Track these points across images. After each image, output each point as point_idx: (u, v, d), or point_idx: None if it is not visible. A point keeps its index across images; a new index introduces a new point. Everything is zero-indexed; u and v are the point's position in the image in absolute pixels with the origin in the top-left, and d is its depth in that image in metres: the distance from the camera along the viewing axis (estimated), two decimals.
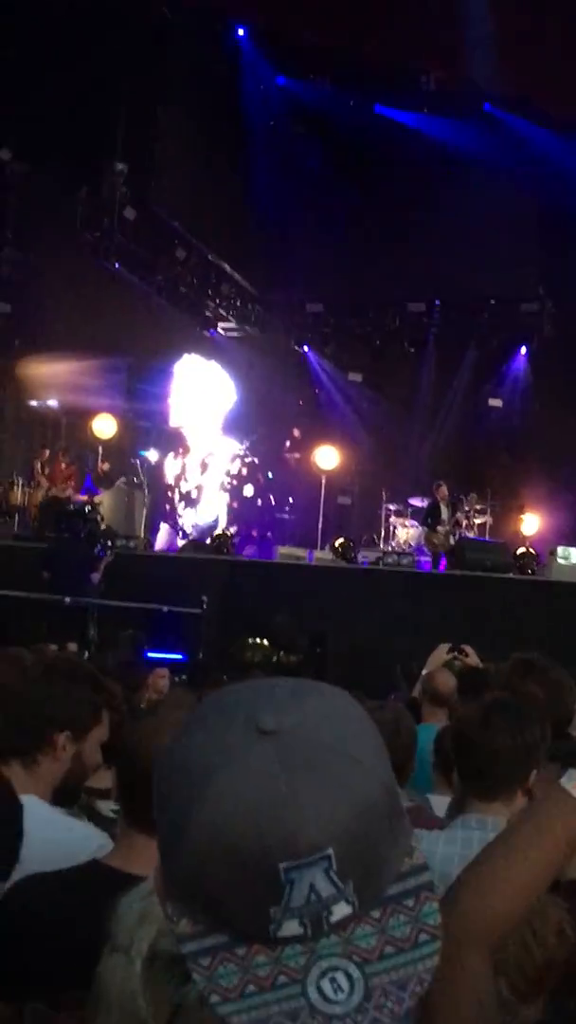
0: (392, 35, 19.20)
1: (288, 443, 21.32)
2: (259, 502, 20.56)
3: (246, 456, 20.51)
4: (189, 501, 19.79)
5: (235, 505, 20.23)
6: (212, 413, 20.72)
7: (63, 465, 17.86)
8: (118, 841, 2.22)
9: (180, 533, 19.17)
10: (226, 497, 20.23)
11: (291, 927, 0.97)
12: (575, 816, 1.59)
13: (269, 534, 19.55)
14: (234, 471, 20.41)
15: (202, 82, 20.53)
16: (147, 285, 21.01)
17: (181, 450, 20.07)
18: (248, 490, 20.40)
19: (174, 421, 20.31)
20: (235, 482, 20.33)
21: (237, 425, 21.23)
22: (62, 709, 2.81)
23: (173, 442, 20.13)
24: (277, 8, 19.51)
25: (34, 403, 19.53)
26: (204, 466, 20.04)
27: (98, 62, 17.99)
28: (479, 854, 1.65)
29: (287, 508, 20.93)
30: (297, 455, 21.33)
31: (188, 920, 1.01)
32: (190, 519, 19.61)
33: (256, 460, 20.67)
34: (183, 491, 19.79)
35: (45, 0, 17.50)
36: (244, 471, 20.49)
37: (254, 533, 19.69)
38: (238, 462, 20.46)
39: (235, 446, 20.63)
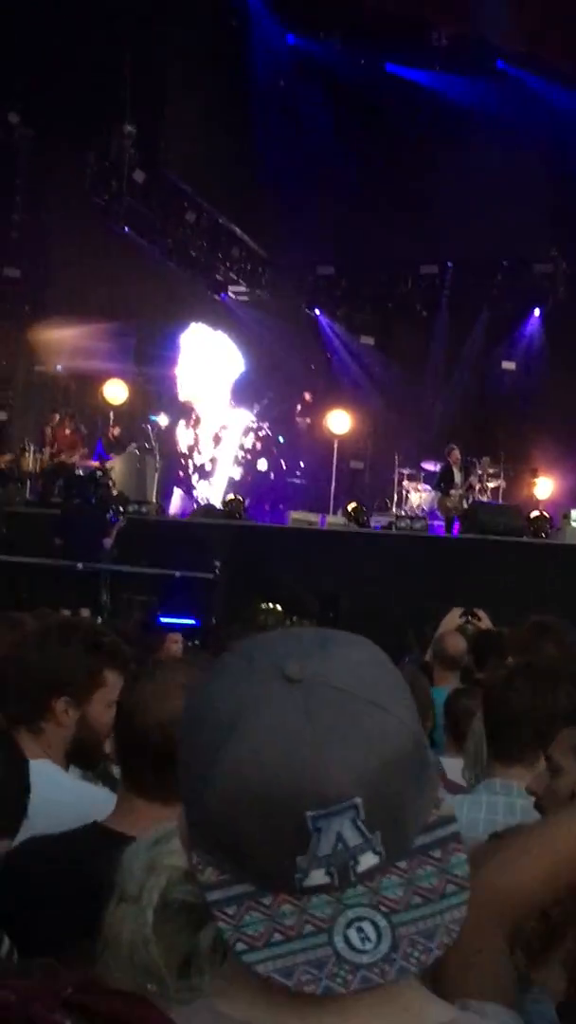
0: None
1: (299, 407, 21.20)
2: (272, 476, 20.46)
3: (259, 429, 20.38)
4: (203, 474, 19.71)
5: (249, 479, 20.12)
6: (221, 383, 20.59)
7: (67, 431, 17.81)
8: (118, 804, 2.22)
9: (195, 502, 19.13)
10: (239, 471, 20.11)
11: (318, 876, 0.97)
12: None
13: (281, 506, 19.47)
14: (248, 445, 20.27)
15: (211, 42, 20.32)
16: (157, 248, 20.90)
17: (193, 420, 19.97)
18: (262, 464, 20.27)
19: (183, 395, 20.21)
20: (249, 456, 20.22)
21: (247, 391, 21.12)
22: (55, 673, 2.79)
23: (184, 410, 20.03)
24: None
25: (41, 368, 19.45)
26: (217, 439, 19.92)
27: (105, 24, 17.83)
28: (511, 831, 1.65)
29: (298, 473, 20.84)
30: (308, 419, 21.21)
31: (213, 869, 1.01)
32: (204, 491, 19.54)
33: (270, 432, 20.54)
34: (196, 463, 19.69)
35: None
36: (258, 445, 20.35)
37: (266, 507, 19.59)
38: (252, 435, 20.32)
39: (248, 418, 20.49)
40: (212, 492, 19.51)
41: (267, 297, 23.15)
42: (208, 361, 20.46)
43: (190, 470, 19.65)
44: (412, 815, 1.01)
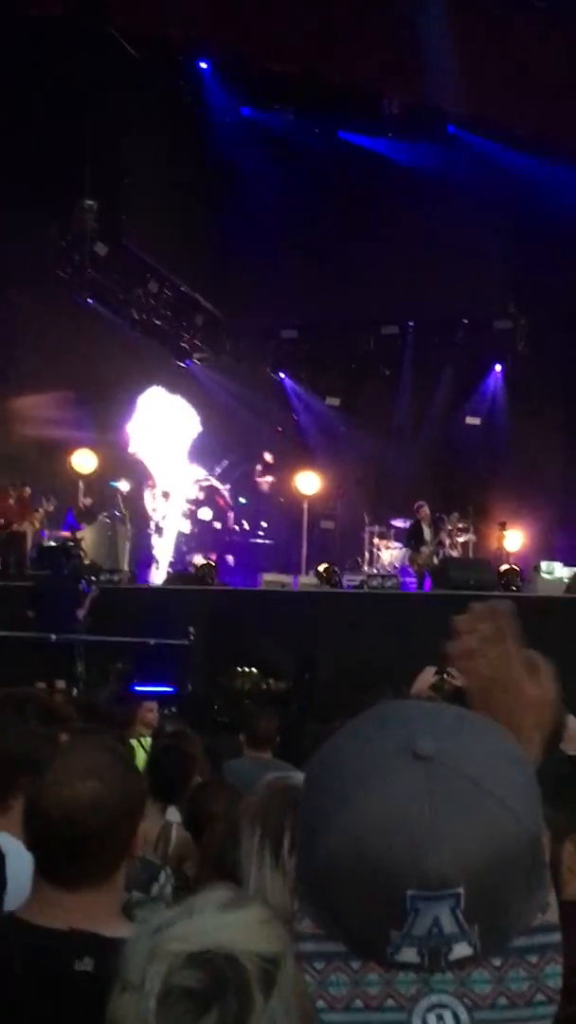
0: (352, 61, 19.39)
1: (259, 467, 21.29)
2: (217, 525, 20.50)
3: (204, 480, 20.49)
4: (159, 532, 19.79)
5: (195, 530, 20.17)
6: (174, 442, 20.67)
7: (10, 500, 17.67)
8: (32, 892, 2.16)
9: (156, 564, 19.14)
10: (187, 524, 20.19)
11: (409, 954, 0.96)
12: None
13: (232, 560, 19.50)
14: (191, 496, 20.38)
15: (167, 116, 20.68)
16: (120, 319, 21.09)
17: (150, 482, 20.08)
18: (204, 513, 20.35)
19: (132, 448, 20.31)
20: (192, 507, 20.30)
21: (208, 454, 21.26)
22: (24, 750, 2.76)
23: (142, 473, 20.12)
24: (238, 41, 19.67)
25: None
26: (167, 495, 20.03)
27: (63, 100, 18.13)
28: None
29: (260, 533, 20.91)
30: (270, 479, 21.30)
31: (310, 921, 1.01)
32: (162, 552, 19.58)
33: (228, 493, 20.64)
34: (155, 523, 19.78)
35: (6, 40, 17.54)
36: (201, 495, 20.45)
37: (229, 558, 19.66)
38: (195, 487, 20.44)
39: (198, 473, 20.64)
40: (164, 548, 19.54)
41: (232, 362, 23.34)
42: (162, 420, 20.58)
43: (152, 531, 19.69)
44: (515, 915, 0.99)
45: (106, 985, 1.38)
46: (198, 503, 20.30)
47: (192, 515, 20.21)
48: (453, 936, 0.95)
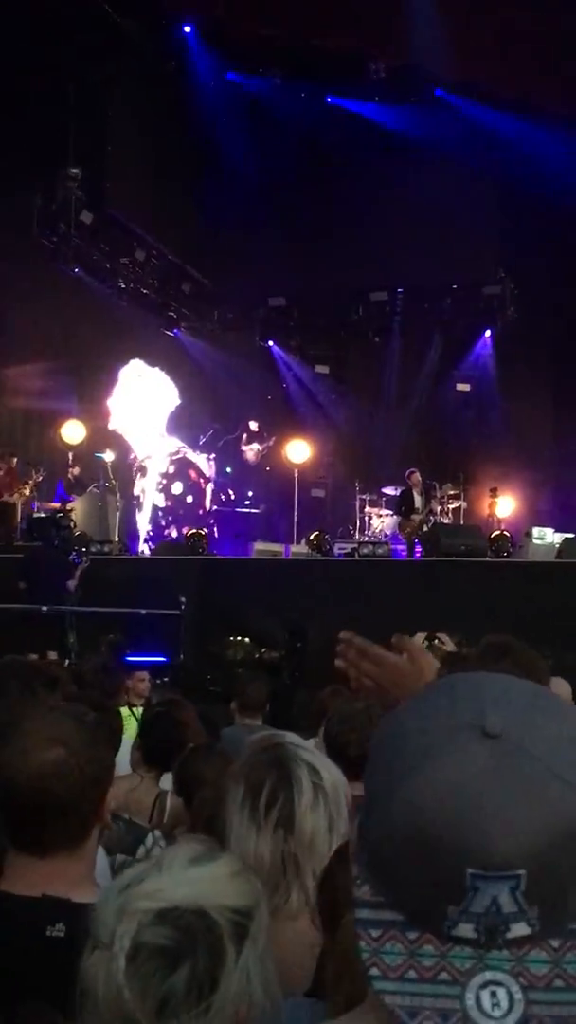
0: (338, 24, 19.20)
1: (245, 436, 21.22)
2: (188, 498, 20.40)
3: (176, 453, 20.40)
4: (139, 506, 19.72)
5: (169, 504, 20.11)
6: (152, 416, 20.58)
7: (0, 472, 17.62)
8: (4, 862, 2.18)
9: (139, 538, 19.10)
10: (161, 497, 20.13)
11: (466, 930, 0.96)
12: None
13: (238, 535, 19.45)
14: (163, 469, 20.29)
15: (152, 82, 20.50)
16: (107, 287, 20.96)
17: (132, 455, 20.01)
18: (176, 487, 20.26)
19: (112, 424, 20.23)
20: (165, 480, 20.23)
21: (198, 423, 21.20)
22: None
23: (125, 447, 20.05)
24: (222, 5, 19.48)
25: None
26: (143, 470, 19.94)
27: (46, 67, 17.93)
28: None
29: (246, 502, 20.86)
30: (256, 447, 21.23)
31: (369, 888, 1.01)
32: (142, 525, 19.54)
33: (190, 457, 20.54)
34: (135, 496, 19.71)
35: None
36: (172, 468, 20.35)
37: (232, 537, 19.56)
38: (167, 460, 20.35)
39: (171, 446, 20.54)
40: (143, 523, 19.51)
41: (219, 331, 23.25)
42: (141, 394, 20.48)
43: (135, 504, 19.64)
44: (575, 898, 0.98)
45: (79, 950, 1.37)
46: (169, 477, 20.20)
47: (165, 489, 20.13)
48: (512, 916, 0.95)
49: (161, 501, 20.03)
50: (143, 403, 20.40)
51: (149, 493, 19.85)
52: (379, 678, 1.95)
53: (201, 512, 20.14)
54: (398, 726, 1.04)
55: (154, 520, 19.70)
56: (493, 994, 0.95)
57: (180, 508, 20.13)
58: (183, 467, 20.37)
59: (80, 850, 2.17)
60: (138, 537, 19.08)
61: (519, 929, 0.96)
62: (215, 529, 19.34)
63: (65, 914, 2.00)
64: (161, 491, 20.06)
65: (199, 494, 20.47)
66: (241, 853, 2.19)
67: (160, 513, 19.91)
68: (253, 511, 20.72)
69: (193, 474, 20.45)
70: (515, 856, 0.94)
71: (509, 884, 0.94)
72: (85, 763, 2.17)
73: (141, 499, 19.73)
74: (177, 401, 20.88)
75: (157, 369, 20.85)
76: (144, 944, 1.35)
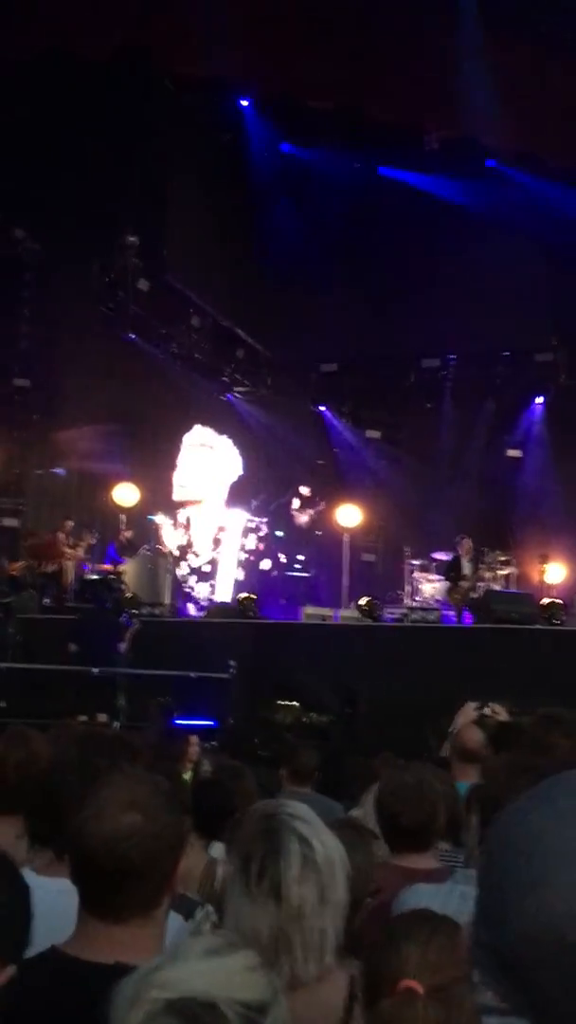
0: (392, 96, 19.50)
1: (297, 502, 21.30)
2: (275, 574, 20.46)
3: (259, 529, 20.46)
4: (201, 576, 19.71)
5: (254, 579, 20.04)
6: (218, 486, 20.70)
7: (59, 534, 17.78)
8: (77, 926, 2.18)
9: (196, 605, 19.10)
10: (241, 572, 20.12)
11: None
12: None
13: (283, 601, 19.43)
14: (250, 545, 20.33)
15: (209, 153, 20.94)
16: (162, 353, 21.26)
17: (185, 522, 20.06)
18: (265, 564, 20.28)
19: (177, 495, 20.35)
20: (252, 557, 20.25)
21: (246, 488, 21.32)
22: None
23: (175, 512, 20.15)
24: (278, 76, 19.86)
25: (48, 471, 19.61)
26: (217, 542, 19.99)
27: (107, 138, 18.38)
28: None
29: (297, 566, 20.86)
30: (309, 511, 21.30)
31: (495, 994, 1.01)
32: (204, 593, 19.53)
33: (266, 527, 20.61)
34: (192, 565, 19.70)
35: (52, 79, 17.85)
36: (261, 545, 20.38)
37: (282, 602, 19.54)
38: (252, 536, 20.38)
39: (246, 518, 20.59)
40: (217, 594, 19.49)
41: (272, 396, 23.44)
42: (207, 463, 20.60)
43: (187, 572, 19.63)
44: None
45: None
46: (258, 553, 20.26)
47: (249, 564, 20.15)
48: None
49: (241, 575, 20.06)
50: (208, 471, 20.54)
51: (225, 565, 19.85)
52: None
53: (268, 577, 20.17)
54: (525, 826, 1.02)
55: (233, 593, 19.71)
56: None
57: (267, 580, 20.14)
58: (270, 543, 20.47)
59: (152, 917, 2.17)
60: (196, 602, 19.12)
61: None
62: (264, 593, 19.37)
63: None
64: (243, 566, 20.12)
65: (280, 567, 20.52)
66: (237, 926, 2.19)
67: (239, 586, 19.84)
68: (304, 575, 20.74)
69: (273, 547, 20.50)
70: None
71: None
72: (161, 829, 2.18)
73: (205, 570, 19.73)
74: (240, 471, 20.99)
75: (224, 437, 21.00)
76: None
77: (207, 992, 1.37)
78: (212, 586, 19.72)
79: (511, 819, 1.04)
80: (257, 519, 20.63)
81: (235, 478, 21.01)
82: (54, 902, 2.16)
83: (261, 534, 20.45)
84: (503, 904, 0.99)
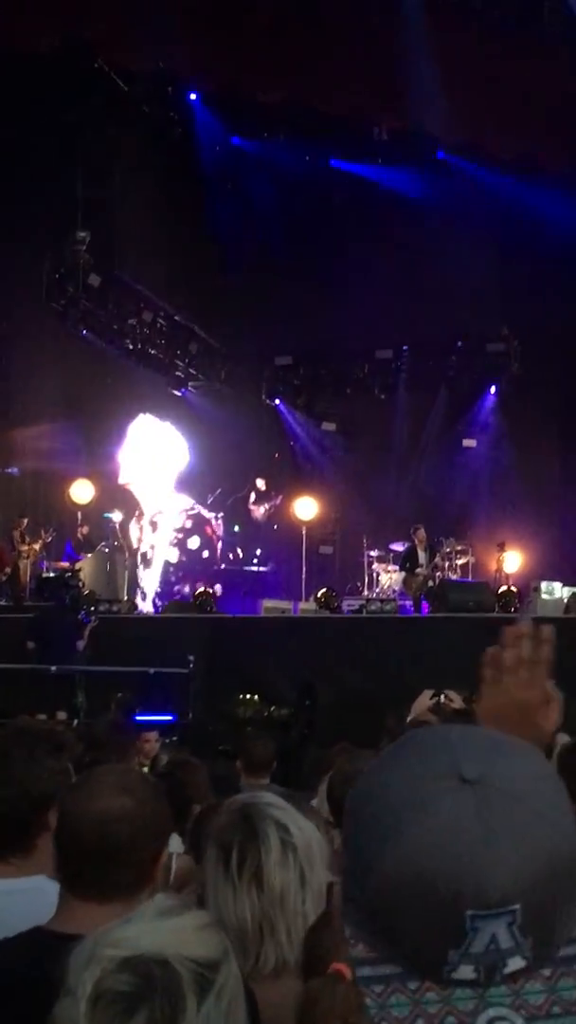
0: (341, 89, 19.53)
1: (253, 495, 21.31)
2: (205, 554, 20.44)
3: (191, 509, 20.47)
4: (146, 563, 19.72)
5: (183, 560, 20.11)
6: (162, 471, 20.66)
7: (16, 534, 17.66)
8: (59, 906, 2.22)
9: (142, 595, 19.05)
10: (175, 552, 20.14)
11: (466, 971, 0.99)
12: None
13: (220, 589, 19.46)
14: (178, 525, 20.33)
15: (158, 147, 20.84)
16: (116, 349, 21.17)
17: (137, 512, 20.04)
18: (193, 542, 20.28)
19: (122, 478, 20.32)
20: (180, 535, 20.26)
21: (201, 482, 21.29)
22: (50, 787, 2.78)
23: (131, 504, 20.10)
24: (226, 70, 19.83)
25: (13, 471, 19.50)
26: (154, 525, 19.98)
27: (54, 134, 18.27)
28: None
29: (255, 560, 20.89)
30: (264, 506, 21.33)
31: (365, 945, 1.03)
32: (149, 581, 19.51)
33: (204, 513, 20.60)
34: (142, 552, 19.71)
35: None
36: (189, 523, 20.40)
37: (217, 588, 19.47)
38: (183, 516, 20.39)
39: (185, 502, 20.59)
40: (151, 579, 19.49)
41: (227, 390, 23.41)
42: (151, 448, 20.56)
43: (138, 562, 19.62)
44: (562, 925, 1.02)
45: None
46: (187, 532, 20.26)
47: (180, 544, 20.16)
48: (509, 951, 0.99)
49: (174, 556, 20.05)
50: (153, 457, 20.52)
51: (160, 548, 19.86)
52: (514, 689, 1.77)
53: (215, 568, 20.17)
54: (376, 783, 1.06)
55: (164, 575, 19.69)
56: None
57: (196, 563, 20.16)
58: (200, 523, 20.45)
59: (134, 902, 2.15)
60: (144, 595, 19.09)
61: (515, 963, 0.99)
62: (221, 588, 19.35)
63: None
64: (175, 545, 20.09)
65: (214, 550, 20.53)
66: (221, 915, 2.21)
67: (172, 568, 19.92)
68: (261, 569, 20.75)
69: (208, 530, 20.52)
70: (510, 892, 0.97)
71: (506, 920, 0.98)
72: (150, 814, 2.23)
73: (149, 555, 19.73)
74: (187, 458, 20.99)
75: (168, 424, 21.00)
76: (105, 990, 1.37)
77: (160, 950, 1.40)
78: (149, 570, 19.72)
79: (367, 778, 1.08)
80: (206, 511, 20.60)
81: (182, 465, 20.94)
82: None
83: (192, 513, 20.40)
84: (363, 857, 1.02)
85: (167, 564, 19.90)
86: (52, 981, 1.58)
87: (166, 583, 19.65)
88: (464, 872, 0.97)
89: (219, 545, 20.57)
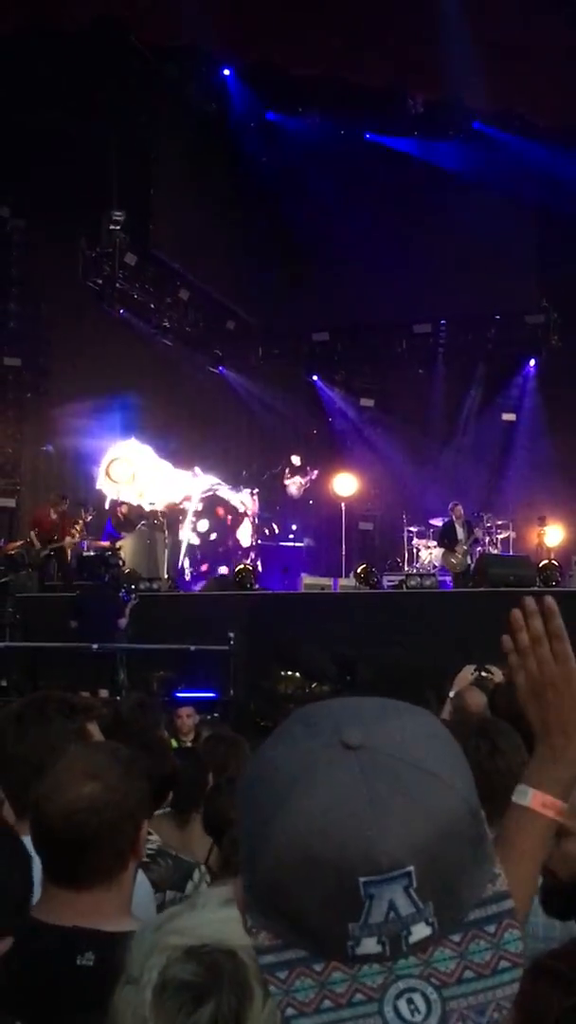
0: (376, 62, 19.36)
1: (287, 470, 21.28)
2: (213, 536, 20.36)
3: (208, 491, 20.42)
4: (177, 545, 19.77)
5: (199, 542, 20.11)
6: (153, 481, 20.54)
7: (54, 515, 17.68)
8: (42, 893, 2.20)
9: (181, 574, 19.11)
10: (194, 536, 20.14)
11: (369, 945, 0.97)
12: (534, 827, 1.64)
13: (227, 570, 19.47)
14: (197, 508, 20.31)
15: (193, 124, 20.79)
16: (153, 328, 21.18)
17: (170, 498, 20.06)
18: (202, 525, 20.27)
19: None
20: (194, 519, 20.25)
21: (244, 458, 21.26)
22: (49, 749, 2.72)
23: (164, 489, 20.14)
24: (260, 46, 19.71)
25: (49, 448, 19.56)
26: (183, 512, 19.97)
27: (89, 113, 18.25)
28: None
29: (291, 536, 20.87)
30: (300, 481, 21.31)
31: (267, 933, 1.02)
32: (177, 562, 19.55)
33: (221, 495, 20.56)
34: (178, 535, 19.73)
35: (31, 55, 17.72)
36: (201, 506, 20.36)
37: (222, 569, 19.43)
38: (199, 499, 20.37)
39: (206, 483, 20.52)
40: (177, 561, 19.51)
41: (264, 368, 23.37)
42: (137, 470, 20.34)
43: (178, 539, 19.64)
44: (467, 888, 1.00)
45: (107, 979, 1.40)
46: (197, 515, 20.23)
47: (195, 527, 20.18)
48: (410, 917, 0.96)
49: (195, 539, 20.11)
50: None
51: (185, 533, 19.94)
52: (541, 680, 1.74)
53: (222, 550, 20.13)
54: (262, 763, 1.05)
55: (191, 557, 19.73)
56: (410, 1001, 0.97)
57: (205, 545, 20.17)
58: (211, 505, 20.41)
59: (116, 883, 2.19)
60: (182, 576, 19.15)
61: (420, 931, 0.97)
62: (259, 564, 19.37)
63: (95, 944, 2.02)
64: (192, 529, 20.14)
65: (225, 531, 20.48)
66: None
67: (196, 551, 19.97)
68: (298, 544, 20.75)
69: (221, 511, 20.47)
70: (401, 853, 0.96)
71: (401, 883, 0.96)
72: (121, 797, 2.19)
73: (181, 537, 19.80)
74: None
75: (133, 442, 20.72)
76: (171, 979, 1.34)
77: (225, 938, 1.40)
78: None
79: (255, 760, 1.08)
80: (232, 492, 20.58)
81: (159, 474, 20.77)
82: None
83: (205, 495, 20.37)
84: (253, 839, 1.01)
85: (190, 547, 19.94)
86: (35, 971, 1.59)
87: (193, 564, 19.71)
88: (351, 838, 0.96)
89: (245, 523, 20.53)
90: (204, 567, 18.62)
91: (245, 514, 20.62)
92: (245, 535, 20.60)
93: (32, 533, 17.12)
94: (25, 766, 2.65)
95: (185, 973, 1.36)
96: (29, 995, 1.57)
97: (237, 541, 20.47)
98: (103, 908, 2.14)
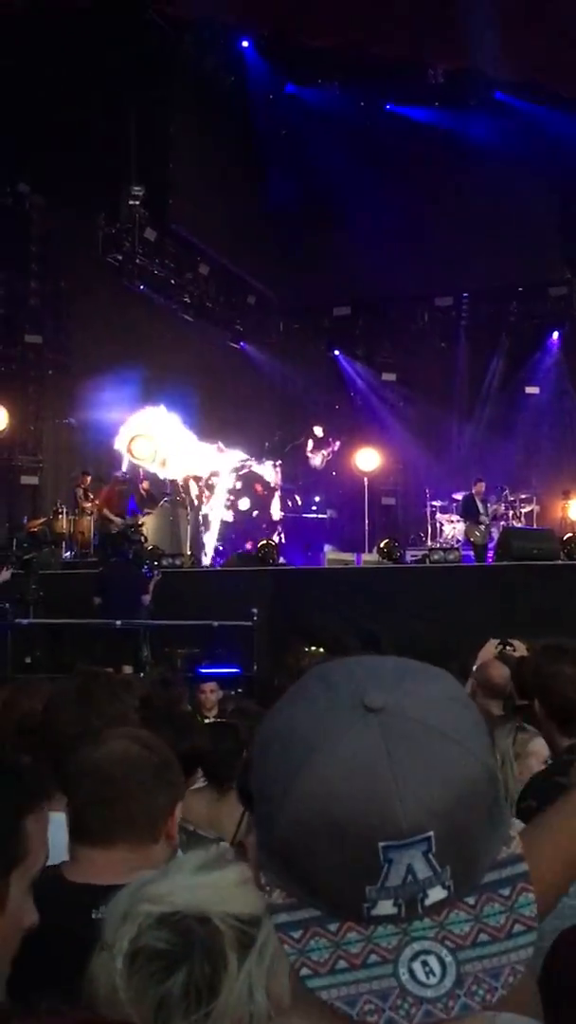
0: (395, 32, 19.16)
1: (310, 442, 21.20)
2: (255, 513, 20.24)
3: (241, 468, 20.34)
4: (206, 524, 19.65)
5: (236, 520, 20.02)
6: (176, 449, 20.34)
7: (83, 488, 17.73)
8: (69, 852, 2.23)
9: (203, 551, 19.04)
10: (230, 514, 20.07)
11: (385, 907, 0.97)
12: None
13: (306, 543, 19.37)
14: (230, 486, 20.23)
15: (211, 97, 20.65)
16: (173, 303, 21.12)
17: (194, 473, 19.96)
18: (244, 503, 20.14)
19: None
20: (232, 497, 20.17)
21: (266, 431, 21.17)
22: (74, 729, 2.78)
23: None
24: (278, 17, 19.54)
25: (66, 422, 19.54)
26: (211, 488, 19.86)
27: (106, 88, 18.16)
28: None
29: (313, 508, 20.78)
30: (323, 452, 21.24)
31: (281, 891, 1.01)
32: (209, 542, 19.46)
33: (256, 471, 20.45)
34: (203, 514, 19.62)
35: (48, 30, 17.61)
36: (239, 484, 20.28)
37: (305, 546, 19.41)
38: (233, 476, 20.25)
39: (235, 459, 20.43)
40: (210, 540, 19.44)
41: (285, 342, 23.29)
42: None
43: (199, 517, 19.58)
44: (483, 851, 1.01)
45: None
46: (236, 493, 20.12)
47: (233, 505, 20.07)
48: (427, 881, 0.96)
49: (229, 517, 20.01)
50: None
51: (217, 510, 19.82)
52: None
53: (265, 525, 20.08)
54: (281, 721, 1.04)
55: (223, 537, 19.66)
56: (425, 963, 0.97)
57: (246, 523, 20.11)
58: (249, 482, 20.32)
59: (143, 851, 2.18)
60: (205, 552, 19.09)
61: (436, 894, 0.97)
62: (283, 536, 19.32)
63: (111, 897, 2.04)
64: (229, 507, 20.04)
65: (264, 508, 20.43)
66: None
67: (229, 529, 19.89)
68: (321, 516, 20.71)
69: (259, 487, 20.39)
70: (422, 818, 0.95)
71: (421, 848, 0.96)
72: (157, 762, 2.22)
73: (209, 517, 19.69)
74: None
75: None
76: (143, 947, 1.35)
77: (199, 906, 1.37)
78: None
79: (272, 717, 1.06)
80: (259, 466, 20.49)
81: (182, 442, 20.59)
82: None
83: (242, 473, 20.27)
84: (271, 799, 1.00)
85: (224, 524, 19.86)
86: (55, 927, 1.59)
87: (226, 543, 19.60)
88: (372, 803, 0.95)
89: (275, 497, 20.46)
90: (248, 545, 18.47)
91: (275, 487, 20.56)
92: (275, 508, 20.55)
93: (106, 511, 17.20)
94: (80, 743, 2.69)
95: (157, 941, 1.35)
96: (50, 952, 1.57)
97: (269, 515, 20.43)
98: (128, 869, 2.12)
